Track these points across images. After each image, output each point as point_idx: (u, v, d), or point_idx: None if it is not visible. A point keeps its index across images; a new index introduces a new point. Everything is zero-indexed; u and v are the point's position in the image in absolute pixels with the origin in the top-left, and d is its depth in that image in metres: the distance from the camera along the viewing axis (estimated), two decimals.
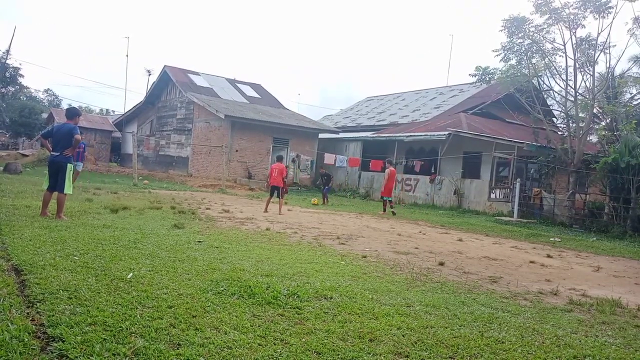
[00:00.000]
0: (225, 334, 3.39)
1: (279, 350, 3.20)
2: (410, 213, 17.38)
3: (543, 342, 3.83)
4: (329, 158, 24.90)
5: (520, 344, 3.75)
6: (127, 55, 69.92)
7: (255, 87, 34.64)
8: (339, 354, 3.24)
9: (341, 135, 28.88)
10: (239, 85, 33.63)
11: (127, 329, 3.27)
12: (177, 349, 3.07)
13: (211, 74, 33.58)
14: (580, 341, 3.96)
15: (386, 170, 16.81)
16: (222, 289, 4.45)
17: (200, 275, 4.92)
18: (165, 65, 31.39)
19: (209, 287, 4.46)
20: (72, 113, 8.72)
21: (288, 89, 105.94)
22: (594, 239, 13.27)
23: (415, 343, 3.57)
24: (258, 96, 32.90)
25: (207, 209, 12.54)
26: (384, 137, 25.46)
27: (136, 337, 3.16)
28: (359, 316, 4.07)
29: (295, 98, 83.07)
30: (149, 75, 48.35)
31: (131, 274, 4.66)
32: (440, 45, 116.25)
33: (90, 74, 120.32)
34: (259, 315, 3.85)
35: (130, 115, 36.40)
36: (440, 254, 8.26)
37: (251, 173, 25.52)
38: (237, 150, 25.32)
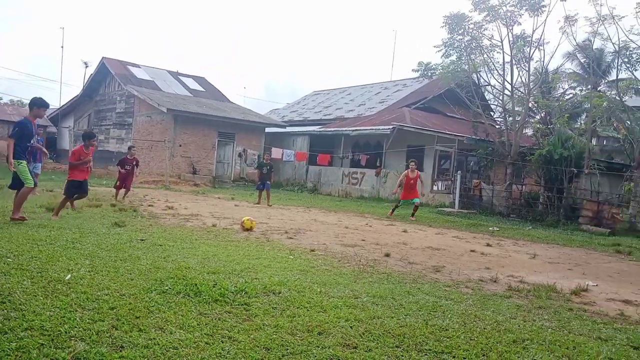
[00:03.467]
0: (171, 334, 3.31)
1: (226, 348, 3.15)
2: (357, 206, 17.61)
3: (484, 328, 3.98)
4: (276, 152, 24.78)
5: (462, 330, 3.87)
6: (62, 47, 66.23)
7: (199, 80, 33.90)
8: (287, 349, 3.23)
9: (288, 129, 28.81)
10: (182, 78, 32.79)
11: (66, 332, 3.12)
12: (120, 351, 2.96)
13: (152, 67, 32.56)
14: (519, 326, 4.14)
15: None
16: (166, 288, 4.34)
17: (144, 274, 4.77)
18: (103, 57, 30.11)
19: (153, 287, 4.34)
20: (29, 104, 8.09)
21: (233, 83, 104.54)
22: (530, 227, 13.94)
23: (363, 334, 3.62)
24: (202, 89, 32.23)
25: (149, 205, 12.19)
26: (331, 131, 25.63)
27: (76, 341, 3.02)
28: (308, 310, 4.08)
29: (241, 92, 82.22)
30: (86, 67, 46.03)
31: (69, 275, 4.45)
32: (384, 40, 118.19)
33: (22, 65, 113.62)
34: (205, 314, 3.78)
35: (67, 109, 34.70)
36: (386, 245, 8.42)
37: (196, 168, 25.01)
38: (180, 145, 24.73)
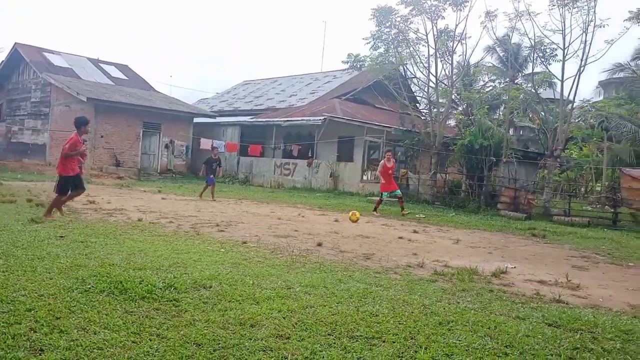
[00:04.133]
0: (95, 334, 3.17)
1: (155, 346, 3.06)
2: (290, 197, 17.63)
3: (412, 312, 4.12)
4: (205, 143, 24.21)
5: (392, 315, 3.99)
6: None
7: (122, 68, 32.35)
8: (219, 343, 3.19)
9: (218, 119, 28.22)
10: (103, 65, 31.14)
11: None
12: (40, 354, 2.80)
13: (71, 54, 30.65)
14: (444, 308, 4.32)
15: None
16: (89, 286, 4.13)
17: (64, 273, 4.52)
18: (16, 43, 27.95)
19: (74, 286, 4.12)
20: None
21: (159, 71, 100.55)
22: (453, 214, 14.59)
23: (296, 324, 3.64)
24: (125, 78, 30.79)
25: (69, 200, 11.52)
26: (262, 121, 25.42)
27: None
28: (240, 303, 4.05)
29: (167, 80, 79.29)
30: None
31: None
32: (315, 31, 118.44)
33: None
34: (132, 312, 3.65)
35: None
36: (318, 235, 8.50)
37: (119, 160, 23.93)
38: (102, 136, 23.54)
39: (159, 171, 25.27)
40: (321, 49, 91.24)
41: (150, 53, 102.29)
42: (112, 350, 2.95)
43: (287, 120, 23.78)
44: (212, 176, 15.07)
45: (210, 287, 4.42)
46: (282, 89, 34.14)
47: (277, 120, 24.33)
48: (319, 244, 7.44)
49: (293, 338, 3.38)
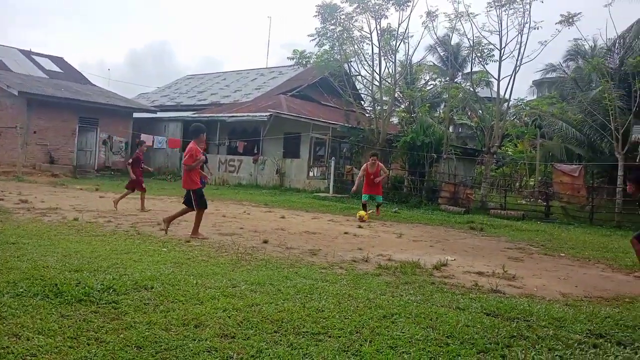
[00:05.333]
0: (28, 340, 3.00)
1: (93, 351, 2.94)
2: (235, 194, 17.41)
3: (357, 306, 4.17)
4: (146, 139, 23.38)
5: (337, 310, 4.02)
6: None
7: (57, 60, 30.75)
8: (162, 345, 3.10)
9: (159, 114, 27.41)
10: (35, 58, 29.47)
11: None
12: None
13: (0, 44, 28.82)
14: (388, 301, 4.40)
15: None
16: (21, 290, 3.91)
17: None
18: None
19: (5, 290, 3.89)
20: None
21: (96, 65, 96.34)
22: (396, 209, 14.92)
23: (241, 323, 3.60)
24: (60, 71, 29.30)
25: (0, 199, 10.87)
26: (206, 117, 24.90)
27: None
28: (183, 303, 3.95)
29: (105, 74, 76.12)
30: None
31: None
32: (259, 26, 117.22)
33: None
34: (68, 315, 3.48)
35: None
36: (264, 232, 8.45)
37: (54, 157, 22.77)
38: (35, 132, 22.31)
39: (96, 168, 24.26)
40: (266, 44, 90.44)
41: (86, 46, 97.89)
42: (47, 356, 2.82)
43: (232, 116, 23.46)
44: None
45: (152, 287, 4.28)
46: (226, 84, 33.61)
47: (222, 116, 23.94)
48: (265, 241, 7.40)
49: (238, 337, 3.34)
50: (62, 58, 31.59)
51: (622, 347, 3.56)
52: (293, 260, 6.12)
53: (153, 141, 23.61)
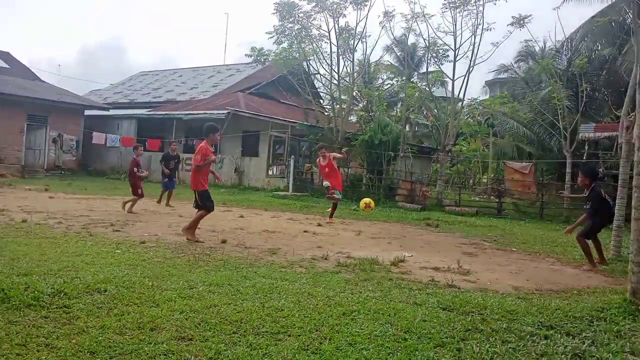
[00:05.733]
0: None
1: (43, 358, 2.84)
2: (192, 193, 17.05)
3: (317, 304, 4.18)
4: (98, 137, 22.73)
5: (297, 309, 4.02)
6: None
7: (3, 55, 29.29)
8: (116, 350, 3.02)
9: (113, 112, 26.57)
10: None
11: None
12: None
13: None
14: (347, 299, 4.43)
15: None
16: None
17: None
18: None
19: None
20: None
21: (46, 60, 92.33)
22: (355, 207, 15.02)
23: (199, 324, 3.55)
24: (6, 66, 27.92)
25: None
26: (162, 114, 24.36)
27: None
28: (138, 306, 3.86)
29: (56, 70, 73.13)
30: None
31: None
32: (216, 23, 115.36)
33: None
34: (16, 322, 3.34)
35: None
36: (222, 232, 8.35)
37: (0, 157, 21.71)
38: None
39: (46, 168, 23.30)
40: (224, 42, 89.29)
41: (35, 42, 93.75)
42: None
43: (189, 114, 23.01)
44: (166, 180, 13.11)
45: (105, 291, 4.15)
46: (182, 81, 32.95)
47: (178, 114, 23.44)
48: (224, 241, 7.31)
49: (196, 339, 3.30)
50: (8, 53, 30.12)
51: (571, 337, 3.71)
52: (252, 260, 6.07)
53: (106, 140, 22.88)
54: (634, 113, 6.86)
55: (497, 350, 3.37)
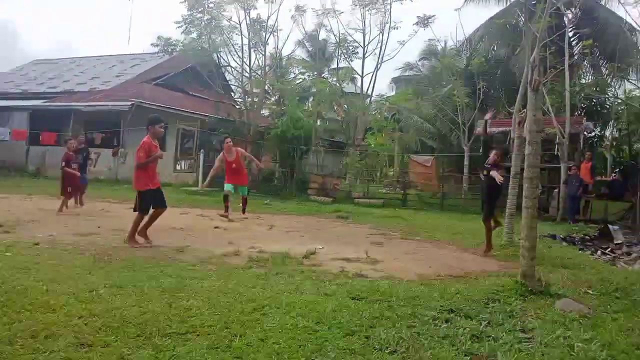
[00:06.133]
0: None
1: None
2: (91, 189, 16.05)
3: (228, 301, 4.12)
4: None
5: (207, 307, 3.94)
6: None
7: None
8: None
9: (1, 102, 24.23)
10: None
11: None
12: None
13: None
14: (259, 294, 4.41)
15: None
16: None
17: None
18: None
19: None
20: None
21: None
22: (268, 201, 15.01)
23: (100, 329, 3.38)
24: None
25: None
26: (58, 106, 22.60)
27: None
28: (31, 312, 3.58)
29: None
30: None
31: None
32: (120, 11, 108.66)
33: None
34: None
35: None
36: (125, 230, 7.89)
37: None
38: None
39: None
40: (127, 30, 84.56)
41: None
42: None
43: (89, 105, 21.57)
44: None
45: None
46: (81, 70, 30.78)
47: (77, 105, 21.87)
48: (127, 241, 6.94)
49: (97, 345, 3.13)
50: None
51: (470, 319, 3.98)
52: (159, 259, 5.83)
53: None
54: (525, 110, 7.44)
55: (402, 335, 3.53)
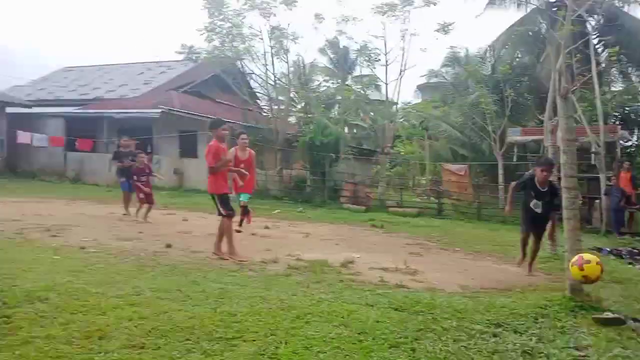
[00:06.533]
0: None
1: None
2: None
3: (270, 308, 4.14)
4: (23, 137, 21.30)
5: (250, 313, 3.97)
6: None
7: None
8: None
9: (37, 110, 24.98)
10: None
11: None
12: None
13: None
14: (300, 301, 4.41)
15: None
16: None
17: None
18: None
19: None
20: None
21: None
22: (301, 209, 15.05)
23: (150, 332, 3.44)
24: None
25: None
26: (92, 113, 23.19)
27: None
28: (84, 314, 3.68)
29: None
30: None
31: None
32: (146, 17, 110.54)
33: None
34: None
35: None
36: (166, 235, 8.07)
37: None
38: None
39: None
40: (152, 37, 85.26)
41: None
42: None
43: (121, 112, 22.04)
44: (123, 179, 11.15)
45: (47, 299, 3.93)
46: (110, 77, 31.46)
47: (109, 112, 22.38)
48: (169, 246, 7.05)
49: (148, 347, 3.20)
50: None
51: (519, 334, 3.88)
52: (200, 264, 5.93)
53: (32, 139, 21.51)
54: (556, 117, 7.20)
55: (449, 349, 3.48)
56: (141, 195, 10.45)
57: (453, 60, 24.21)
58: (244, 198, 9.38)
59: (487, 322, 4.10)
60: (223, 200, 6.72)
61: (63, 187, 19.17)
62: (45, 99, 28.40)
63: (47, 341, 3.12)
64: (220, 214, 6.71)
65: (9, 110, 23.82)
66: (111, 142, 22.90)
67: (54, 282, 4.46)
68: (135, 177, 10.64)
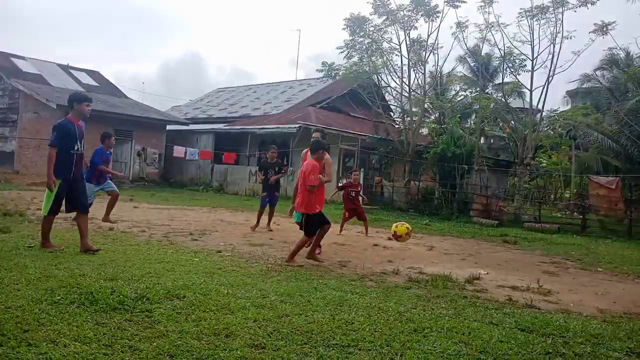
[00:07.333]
0: (65, 346, 3.07)
1: (127, 358, 2.99)
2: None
3: (387, 319, 4.13)
4: (178, 151, 23.94)
5: (367, 322, 3.99)
6: None
7: (93, 74, 31.74)
8: (193, 354, 3.13)
9: (191, 126, 27.92)
10: (73, 72, 30.48)
11: None
12: None
13: (40, 59, 29.91)
14: (419, 315, 4.34)
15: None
16: (58, 297, 4.01)
17: (32, 284, 4.38)
18: None
19: (43, 297, 3.99)
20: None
21: (130, 78, 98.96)
22: (427, 221, 14.72)
23: (271, 333, 3.61)
24: (96, 84, 30.20)
25: (37, 209, 11.19)
26: (237, 129, 25.27)
27: None
28: (214, 313, 3.99)
29: (139, 87, 78.08)
30: None
31: None
32: (288, 39, 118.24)
33: None
34: (103, 323, 3.55)
35: None
36: (294, 243, 8.42)
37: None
38: None
39: (131, 179, 24.82)
40: (295, 57, 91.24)
41: (121, 60, 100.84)
42: None
43: (262, 128, 23.69)
44: (264, 194, 10.83)
45: (184, 297, 4.34)
46: (256, 96, 34.05)
47: (252, 128, 24.22)
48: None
49: (268, 348, 3.35)
50: (98, 72, 32.59)
51: None
52: (322, 272, 6.11)
53: (185, 153, 24.05)
54: None
55: None
56: (346, 215, 10.64)
57: (611, 62, 22.02)
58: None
59: (628, 350, 3.66)
60: (312, 221, 6.65)
61: (208, 196, 21.07)
62: (199, 117, 31.63)
63: (180, 335, 3.42)
64: (305, 230, 6.72)
65: (169, 127, 26.92)
66: (253, 154, 24.70)
67: (191, 282, 4.93)
68: (343, 191, 10.58)
